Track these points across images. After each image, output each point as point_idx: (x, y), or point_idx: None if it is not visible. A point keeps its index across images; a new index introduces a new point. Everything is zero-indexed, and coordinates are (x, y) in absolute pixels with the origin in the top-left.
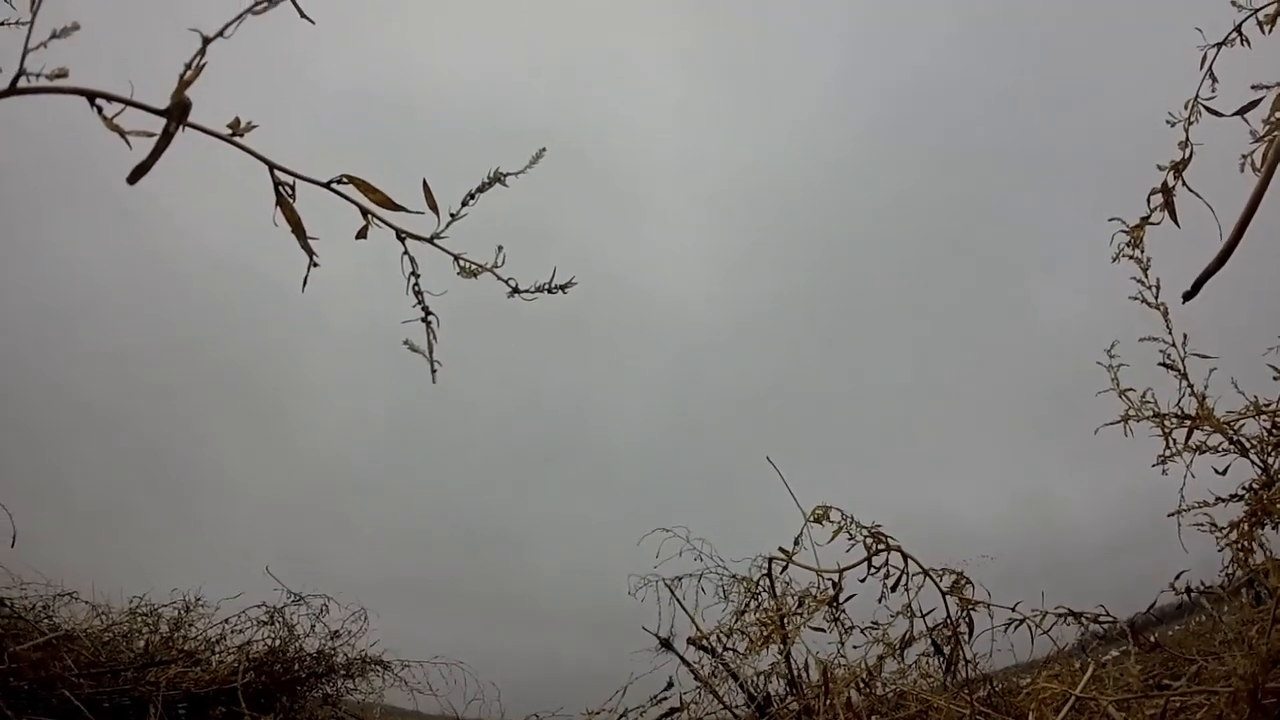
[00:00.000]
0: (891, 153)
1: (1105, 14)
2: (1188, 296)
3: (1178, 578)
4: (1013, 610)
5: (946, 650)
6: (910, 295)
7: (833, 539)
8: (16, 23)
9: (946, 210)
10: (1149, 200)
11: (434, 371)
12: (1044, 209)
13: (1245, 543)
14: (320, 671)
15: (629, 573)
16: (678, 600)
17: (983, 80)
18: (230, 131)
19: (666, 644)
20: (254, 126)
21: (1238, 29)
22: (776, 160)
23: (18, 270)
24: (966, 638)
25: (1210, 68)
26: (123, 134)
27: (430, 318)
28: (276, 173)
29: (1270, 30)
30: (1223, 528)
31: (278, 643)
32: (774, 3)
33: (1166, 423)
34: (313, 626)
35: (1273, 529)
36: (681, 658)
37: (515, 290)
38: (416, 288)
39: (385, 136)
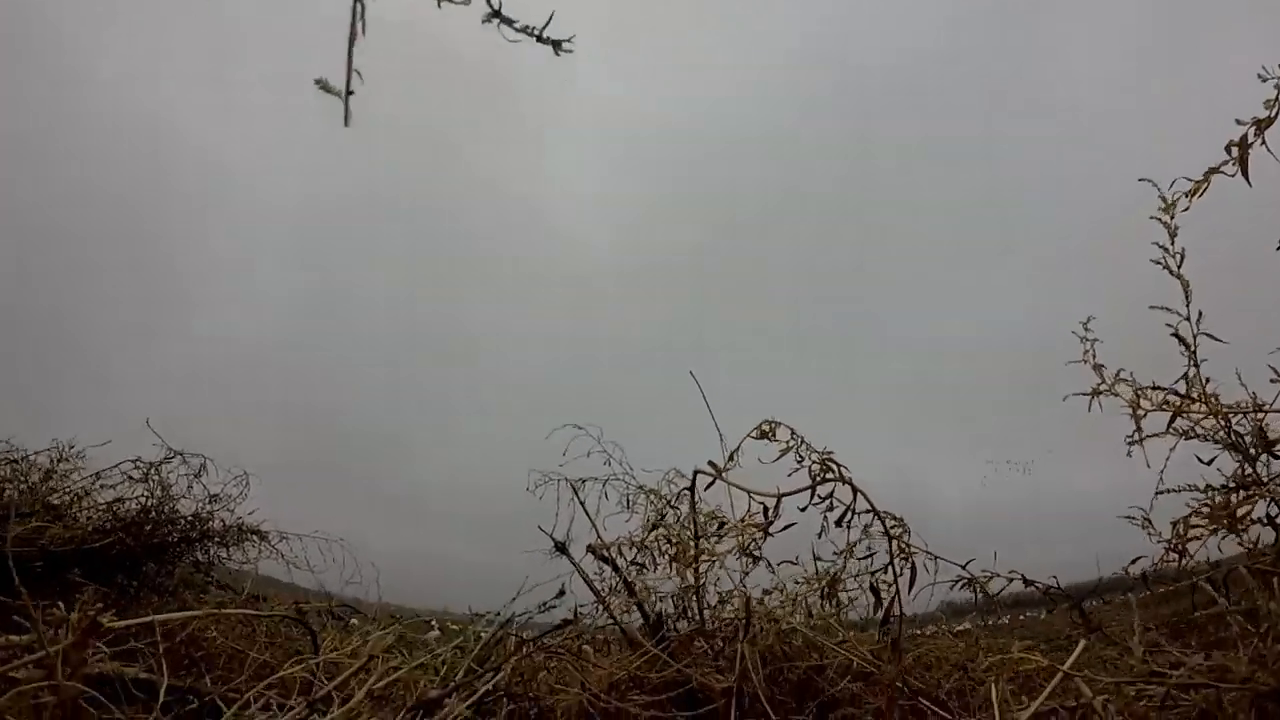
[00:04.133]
0: (817, 132)
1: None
2: None
3: (1133, 562)
4: (963, 568)
5: (885, 599)
6: (808, 269)
7: (779, 458)
8: None
9: (861, 193)
10: (1228, 149)
11: (347, 109)
12: (956, 201)
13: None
14: (194, 537)
15: (530, 469)
16: (579, 502)
17: (939, 72)
18: None
19: (562, 548)
20: None
21: None
22: (703, 121)
23: None
24: (908, 590)
25: None
26: None
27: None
28: None
29: None
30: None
31: (152, 502)
32: None
33: (1144, 401)
34: (189, 487)
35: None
36: (576, 566)
37: (496, 13)
38: None
39: None
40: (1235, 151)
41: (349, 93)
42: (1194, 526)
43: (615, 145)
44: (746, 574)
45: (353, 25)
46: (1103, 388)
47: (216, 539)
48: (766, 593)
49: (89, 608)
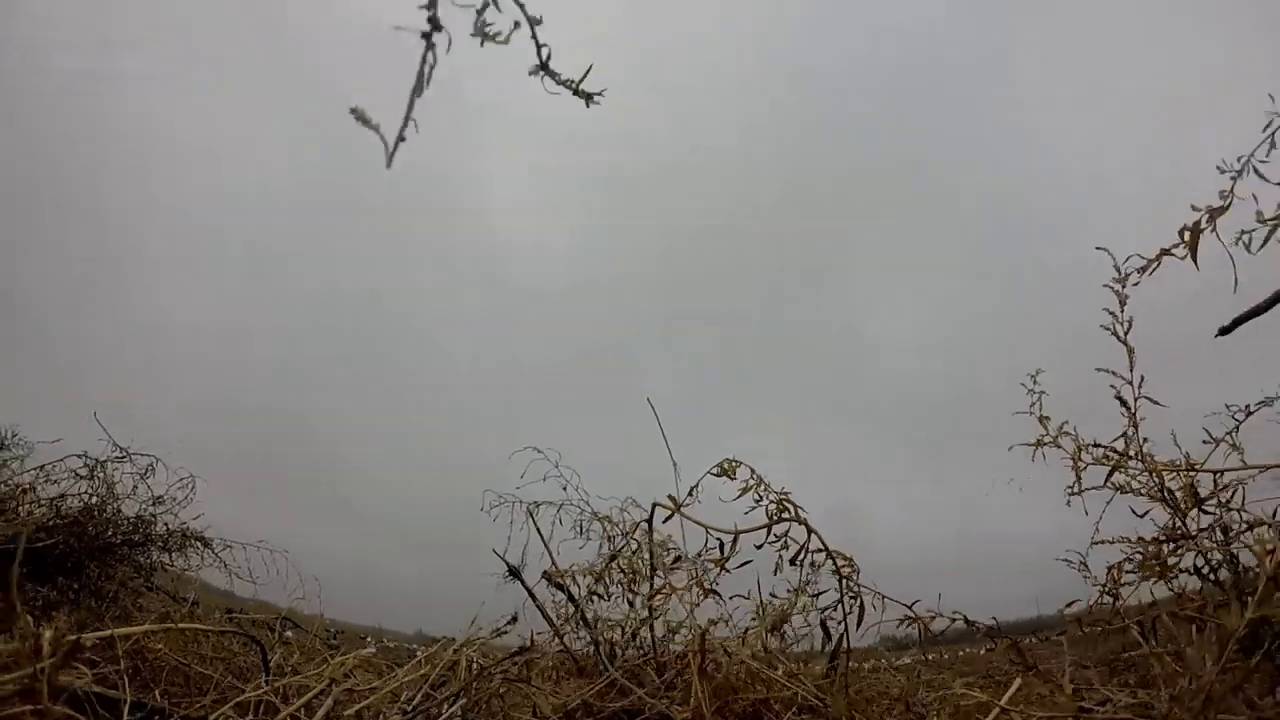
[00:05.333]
0: (767, 158)
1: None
2: (1224, 331)
3: (1069, 605)
4: (909, 608)
5: (833, 636)
6: (743, 303)
7: (739, 497)
8: None
9: (805, 224)
10: (1181, 234)
11: (392, 152)
12: (898, 234)
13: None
14: (137, 540)
15: (485, 489)
16: (535, 526)
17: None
18: None
19: (515, 574)
20: None
21: None
22: (657, 141)
23: None
24: (856, 626)
25: (1274, 135)
26: None
27: (436, 35)
28: None
29: None
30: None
31: (96, 500)
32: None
33: (1085, 455)
34: (134, 488)
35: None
36: (530, 593)
37: (544, 67)
38: None
39: None
40: (1188, 236)
41: (400, 139)
42: (1127, 573)
43: (560, 147)
44: (696, 605)
45: (419, 78)
46: (1046, 439)
47: (159, 543)
48: (713, 622)
49: (62, 622)
